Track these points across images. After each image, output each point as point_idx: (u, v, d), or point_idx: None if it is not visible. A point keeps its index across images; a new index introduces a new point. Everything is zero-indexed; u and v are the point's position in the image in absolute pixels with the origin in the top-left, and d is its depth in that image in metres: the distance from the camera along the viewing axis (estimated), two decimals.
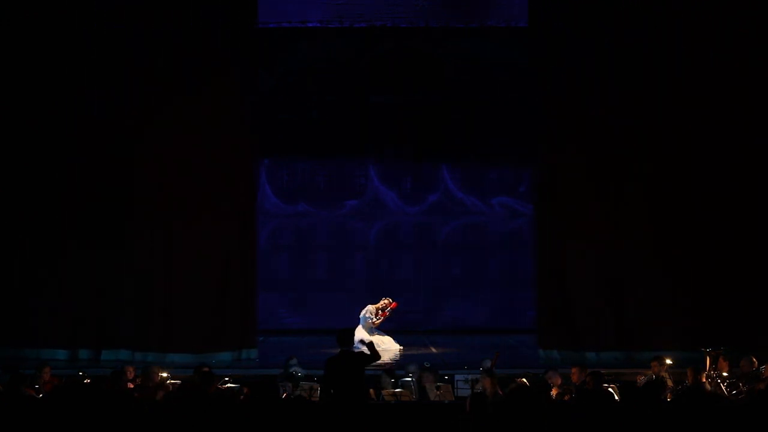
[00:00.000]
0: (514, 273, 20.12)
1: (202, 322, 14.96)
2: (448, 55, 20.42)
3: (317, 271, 20.92)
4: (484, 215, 20.89)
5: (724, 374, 11.02)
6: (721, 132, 15.12)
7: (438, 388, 11.37)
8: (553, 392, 10.00)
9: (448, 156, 20.92)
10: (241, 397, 9.36)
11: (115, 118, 15.20)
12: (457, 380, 11.90)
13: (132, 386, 10.61)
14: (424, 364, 12.42)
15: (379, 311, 16.46)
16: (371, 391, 10.72)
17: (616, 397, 9.00)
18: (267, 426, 7.44)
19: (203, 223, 15.12)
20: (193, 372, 10.89)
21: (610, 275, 15.08)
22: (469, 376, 11.76)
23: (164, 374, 10.97)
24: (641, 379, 10.81)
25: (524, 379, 10.50)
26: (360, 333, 15.46)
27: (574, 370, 11.05)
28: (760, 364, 11.33)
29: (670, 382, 10.73)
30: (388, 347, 15.75)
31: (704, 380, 10.74)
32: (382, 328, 16.50)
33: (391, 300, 16.67)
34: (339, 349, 9.22)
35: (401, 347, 16.22)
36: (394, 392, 10.96)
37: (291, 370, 12.35)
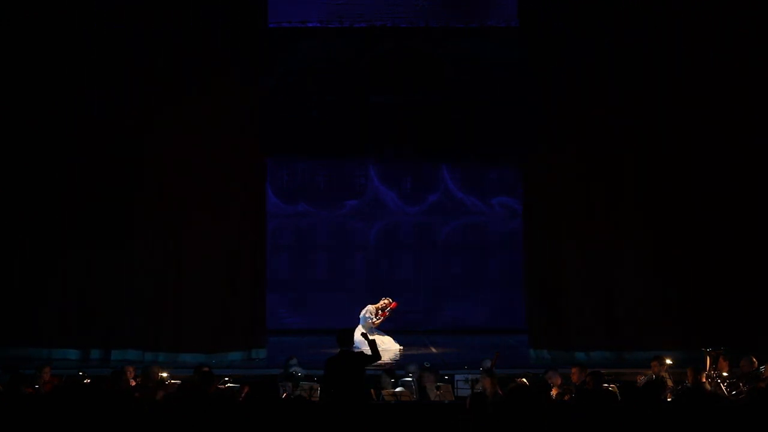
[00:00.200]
0: (514, 273, 20.05)
1: (213, 322, 15.00)
2: (448, 55, 20.42)
3: (317, 271, 20.92)
4: (484, 215, 20.89)
5: (724, 374, 11.01)
6: (719, 131, 15.12)
7: (438, 388, 11.37)
8: (553, 392, 10.00)
9: (448, 156, 20.91)
10: (242, 396, 9.35)
11: (115, 118, 15.21)
12: (457, 380, 11.91)
13: (134, 383, 10.63)
14: (424, 364, 12.42)
15: (379, 311, 16.46)
16: (371, 391, 10.72)
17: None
18: (267, 426, 7.44)
19: (212, 222, 15.14)
20: (193, 372, 10.89)
21: (601, 275, 15.10)
22: (469, 376, 11.76)
23: (164, 374, 10.97)
24: (641, 379, 10.81)
25: (524, 379, 10.50)
26: (360, 333, 15.46)
27: (574, 370, 11.05)
28: (760, 364, 11.33)
29: (670, 382, 10.73)
30: (388, 347, 15.74)
31: (704, 380, 10.74)
32: (382, 328, 16.49)
33: (391, 300, 16.67)
34: (339, 349, 9.22)
35: (401, 347, 16.22)
36: (394, 392, 10.95)
37: (291, 370, 12.35)
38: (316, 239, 20.93)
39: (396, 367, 12.99)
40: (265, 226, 16.10)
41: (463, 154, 20.72)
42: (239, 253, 15.28)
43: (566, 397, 9.86)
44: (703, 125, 15.14)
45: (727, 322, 14.66)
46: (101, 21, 15.27)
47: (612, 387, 10.16)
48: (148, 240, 15.20)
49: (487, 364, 11.65)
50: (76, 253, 15.16)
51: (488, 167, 20.74)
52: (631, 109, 15.20)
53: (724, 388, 10.68)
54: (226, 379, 11.37)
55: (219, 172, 15.17)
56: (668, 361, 11.57)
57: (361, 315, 16.34)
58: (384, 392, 10.98)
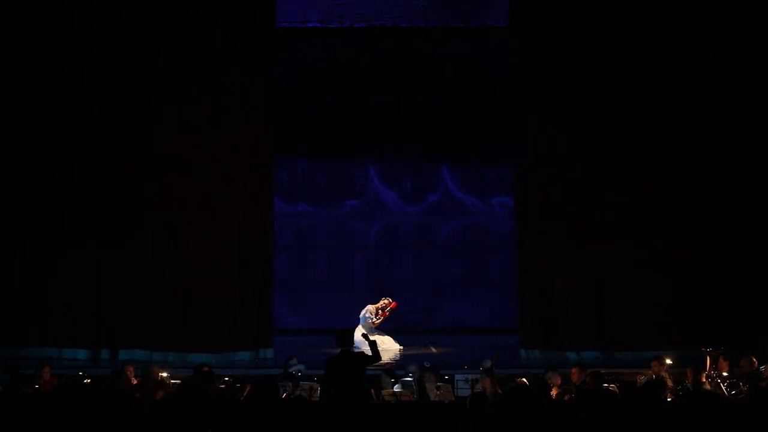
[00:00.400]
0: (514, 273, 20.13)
1: (222, 322, 15.06)
2: (448, 55, 20.42)
3: (317, 271, 20.92)
4: (484, 215, 20.88)
5: (724, 374, 11.01)
6: (717, 131, 15.13)
7: (438, 388, 11.37)
8: (553, 392, 10.00)
9: (448, 156, 20.91)
10: (243, 395, 9.35)
11: (115, 118, 15.22)
12: (457, 380, 11.90)
13: (136, 381, 10.63)
14: (424, 364, 12.42)
15: (379, 311, 16.46)
16: (371, 391, 10.72)
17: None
18: (267, 426, 7.43)
19: (220, 223, 15.19)
20: (193, 372, 10.89)
21: (593, 275, 15.10)
22: (469, 376, 11.75)
23: (164, 374, 10.97)
24: (641, 379, 10.81)
25: (524, 379, 10.49)
26: (360, 333, 15.45)
27: (574, 370, 11.06)
28: (760, 364, 11.33)
29: (670, 382, 10.73)
30: (388, 347, 15.74)
31: (704, 380, 10.74)
32: (382, 328, 16.49)
33: (391, 300, 16.67)
34: (339, 349, 9.22)
35: (401, 347, 16.22)
36: (394, 392, 10.95)
37: (291, 370, 12.36)
38: (316, 239, 20.93)
39: (396, 367, 12.98)
40: (272, 227, 16.09)
41: (463, 154, 20.71)
42: (247, 253, 15.31)
43: (566, 397, 9.86)
44: (702, 125, 15.17)
45: (720, 322, 14.70)
46: (101, 21, 15.29)
47: (612, 387, 10.15)
48: (155, 240, 15.23)
49: (487, 364, 11.66)
50: (82, 254, 15.18)
51: (488, 167, 20.73)
52: (623, 108, 15.24)
53: (724, 388, 10.67)
54: (227, 378, 11.36)
55: (226, 172, 15.21)
56: (668, 361, 11.57)
57: (361, 315, 16.34)
58: (384, 392, 10.98)
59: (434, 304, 20.52)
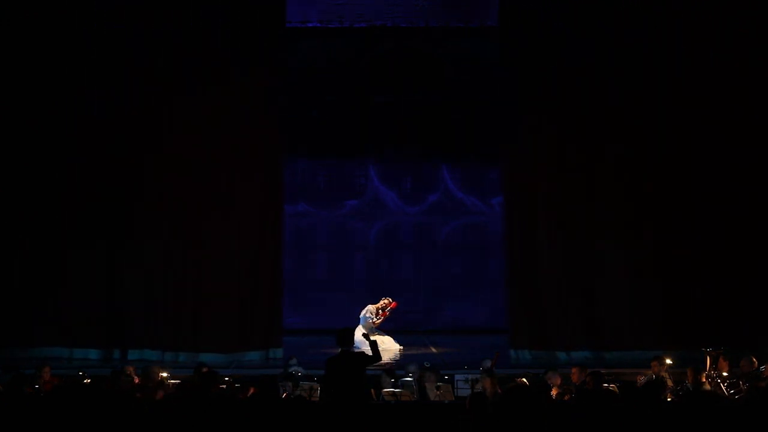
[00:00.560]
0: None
1: (233, 322, 15.09)
2: (448, 55, 20.43)
3: (317, 271, 20.93)
4: (484, 215, 20.89)
5: (724, 374, 11.02)
6: (716, 130, 15.12)
7: (438, 388, 11.38)
8: (553, 392, 10.00)
9: (448, 156, 20.92)
10: (245, 396, 9.34)
11: (115, 118, 15.21)
12: (457, 380, 11.90)
13: (138, 380, 10.64)
14: (424, 364, 12.42)
15: (379, 311, 16.46)
16: (371, 391, 10.72)
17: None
18: (267, 426, 7.43)
19: (231, 222, 15.18)
20: (193, 372, 10.90)
21: (582, 275, 15.10)
22: (469, 376, 11.76)
23: (164, 374, 10.98)
24: (641, 379, 10.81)
25: (524, 379, 10.50)
26: (361, 333, 15.46)
27: (574, 370, 11.07)
28: (760, 364, 11.33)
29: (670, 382, 10.73)
30: (388, 347, 15.74)
31: (704, 380, 10.74)
32: (382, 328, 16.50)
33: (391, 300, 16.68)
34: (339, 349, 9.22)
35: (401, 347, 16.22)
36: (394, 392, 10.96)
37: (291, 370, 12.36)
38: (316, 239, 20.93)
39: (396, 367, 12.99)
40: (282, 226, 16.07)
41: (463, 154, 20.72)
42: (258, 253, 15.31)
43: (566, 397, 9.86)
44: (700, 125, 15.16)
45: (720, 322, 14.68)
46: (101, 21, 15.28)
47: (612, 387, 10.16)
48: (166, 240, 15.22)
49: (487, 364, 11.67)
50: (91, 254, 15.18)
51: (488, 167, 20.71)
52: (617, 108, 15.22)
53: (724, 388, 10.68)
54: (227, 378, 11.37)
55: (236, 172, 15.23)
56: (668, 361, 11.58)
57: (362, 315, 16.35)
58: (384, 392, 10.98)
59: (434, 304, 20.53)
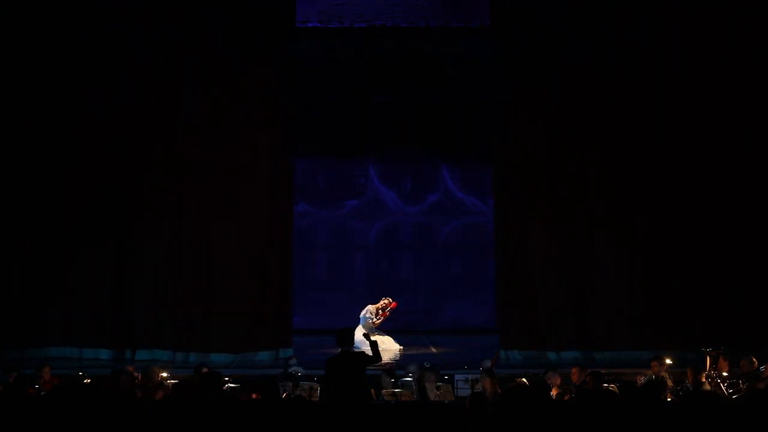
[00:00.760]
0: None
1: (243, 322, 15.07)
2: (448, 55, 20.43)
3: (317, 271, 20.92)
4: (484, 215, 20.86)
5: (724, 374, 11.02)
6: (715, 130, 15.12)
7: (438, 388, 11.38)
8: (553, 392, 10.01)
9: (448, 156, 20.92)
10: (246, 397, 9.34)
11: (115, 118, 15.21)
12: (457, 380, 11.91)
13: (138, 379, 10.64)
14: (424, 364, 12.42)
15: (379, 311, 16.46)
16: (371, 391, 10.72)
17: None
18: (267, 426, 7.43)
19: (242, 222, 15.17)
20: (192, 372, 10.90)
21: (573, 275, 15.09)
22: (469, 376, 11.76)
23: (164, 374, 10.98)
24: (641, 379, 10.82)
25: (524, 379, 10.50)
26: (361, 333, 15.46)
27: (574, 370, 11.08)
28: (760, 364, 11.33)
29: (670, 382, 10.74)
30: (388, 347, 15.73)
31: (704, 380, 10.74)
32: (382, 328, 16.49)
33: (391, 300, 16.68)
34: (339, 349, 9.22)
35: (401, 347, 16.22)
36: (394, 392, 10.96)
37: (291, 370, 12.36)
38: (316, 239, 20.92)
39: (396, 367, 12.99)
40: (292, 227, 16.03)
41: (463, 154, 20.72)
42: (268, 253, 15.29)
43: (566, 397, 9.87)
44: (700, 124, 15.15)
45: (720, 322, 14.67)
46: (101, 21, 15.28)
47: (612, 387, 10.16)
48: (176, 241, 15.22)
49: (487, 364, 11.67)
50: (100, 254, 15.17)
51: (488, 167, 20.63)
52: (612, 107, 15.18)
53: (724, 388, 10.68)
54: (226, 378, 11.37)
55: (245, 172, 15.21)
56: (668, 361, 11.58)
57: (362, 315, 16.35)
58: (384, 392, 10.98)
59: (434, 304, 20.53)
